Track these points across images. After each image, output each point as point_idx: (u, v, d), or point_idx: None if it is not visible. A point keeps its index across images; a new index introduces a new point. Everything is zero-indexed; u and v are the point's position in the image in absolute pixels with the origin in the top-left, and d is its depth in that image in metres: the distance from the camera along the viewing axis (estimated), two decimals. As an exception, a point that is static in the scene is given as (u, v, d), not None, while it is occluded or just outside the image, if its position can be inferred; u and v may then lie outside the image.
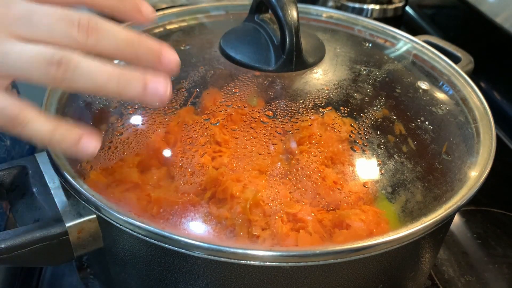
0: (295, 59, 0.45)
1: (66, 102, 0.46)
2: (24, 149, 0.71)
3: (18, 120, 0.31)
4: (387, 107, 0.46)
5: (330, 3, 0.99)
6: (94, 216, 0.38)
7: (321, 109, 0.44)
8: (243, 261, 0.34)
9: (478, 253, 0.58)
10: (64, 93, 0.47)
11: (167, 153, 0.41)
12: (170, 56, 0.32)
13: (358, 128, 0.43)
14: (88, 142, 0.32)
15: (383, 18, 0.95)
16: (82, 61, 0.30)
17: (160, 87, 0.31)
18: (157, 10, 0.63)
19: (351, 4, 0.95)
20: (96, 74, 0.30)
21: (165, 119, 0.43)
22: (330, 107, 0.44)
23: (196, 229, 0.37)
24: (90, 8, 0.33)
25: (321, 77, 0.47)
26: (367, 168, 0.42)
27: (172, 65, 0.32)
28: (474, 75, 0.57)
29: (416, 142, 0.44)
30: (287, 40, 0.44)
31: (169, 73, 0.32)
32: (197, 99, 0.45)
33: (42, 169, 0.43)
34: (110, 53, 0.31)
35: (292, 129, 0.42)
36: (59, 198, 0.40)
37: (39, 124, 0.31)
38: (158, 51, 0.32)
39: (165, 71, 0.32)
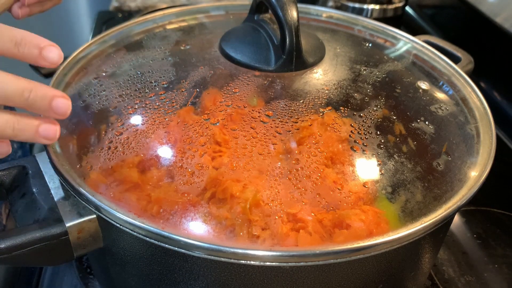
0: (295, 59, 0.45)
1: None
2: (28, 151, 0.72)
3: None
4: (387, 107, 0.46)
5: (330, 3, 0.99)
6: (94, 216, 0.38)
7: (321, 109, 0.44)
8: (243, 261, 0.34)
9: (478, 253, 0.57)
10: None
11: (167, 153, 0.41)
12: (59, 103, 0.36)
13: (358, 128, 0.43)
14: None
15: (383, 18, 0.95)
16: None
17: (50, 131, 0.36)
18: (157, 10, 0.63)
19: (351, 4, 0.95)
20: None
21: (165, 119, 0.43)
22: (330, 107, 0.44)
23: (196, 229, 0.37)
24: None
25: (321, 77, 0.47)
26: (367, 168, 0.42)
27: (61, 110, 0.36)
28: (474, 75, 0.57)
29: (416, 142, 0.44)
30: (287, 40, 0.44)
31: (60, 117, 0.37)
32: (197, 99, 0.45)
33: (42, 169, 0.43)
34: (1, 101, 0.34)
35: (292, 129, 0.42)
36: (59, 198, 0.40)
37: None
38: (50, 97, 0.35)
39: (55, 116, 0.36)
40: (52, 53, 0.35)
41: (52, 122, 0.37)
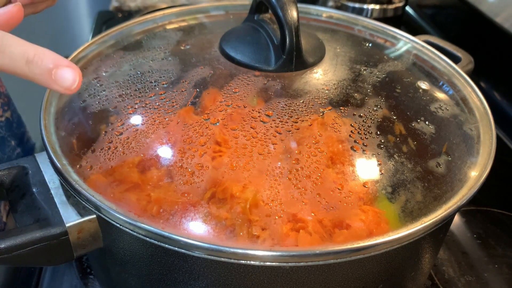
0: (295, 59, 0.45)
1: (66, 102, 0.46)
2: (27, 149, 0.72)
3: None
4: (387, 107, 0.46)
5: (330, 3, 0.99)
6: (94, 216, 0.38)
7: (321, 109, 0.44)
8: (243, 261, 0.34)
9: (478, 253, 0.57)
10: (64, 94, 0.47)
11: (167, 153, 0.41)
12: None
13: (358, 128, 0.43)
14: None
15: (383, 18, 0.95)
16: None
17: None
18: (157, 10, 0.63)
19: (351, 4, 0.95)
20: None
21: (165, 119, 0.43)
22: (330, 107, 0.44)
23: (196, 229, 0.37)
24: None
25: (321, 77, 0.47)
26: (367, 168, 0.42)
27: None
28: (474, 75, 0.57)
29: (416, 142, 0.44)
30: (287, 40, 0.44)
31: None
32: (197, 99, 0.45)
33: (42, 169, 0.43)
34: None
35: (292, 129, 0.42)
36: (59, 198, 0.40)
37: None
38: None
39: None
40: (66, 75, 0.30)
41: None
